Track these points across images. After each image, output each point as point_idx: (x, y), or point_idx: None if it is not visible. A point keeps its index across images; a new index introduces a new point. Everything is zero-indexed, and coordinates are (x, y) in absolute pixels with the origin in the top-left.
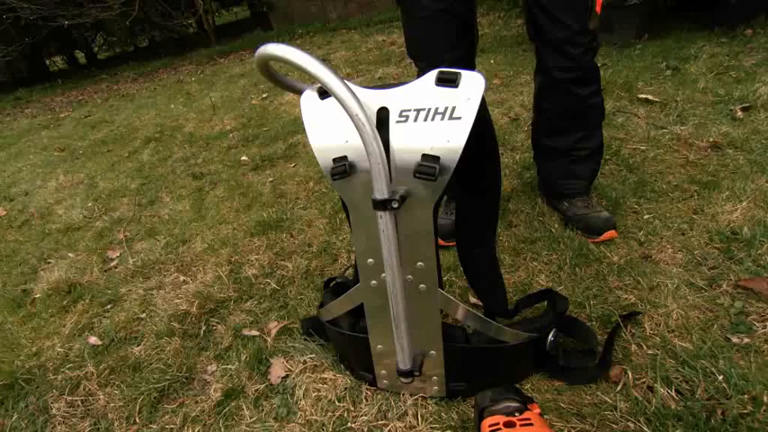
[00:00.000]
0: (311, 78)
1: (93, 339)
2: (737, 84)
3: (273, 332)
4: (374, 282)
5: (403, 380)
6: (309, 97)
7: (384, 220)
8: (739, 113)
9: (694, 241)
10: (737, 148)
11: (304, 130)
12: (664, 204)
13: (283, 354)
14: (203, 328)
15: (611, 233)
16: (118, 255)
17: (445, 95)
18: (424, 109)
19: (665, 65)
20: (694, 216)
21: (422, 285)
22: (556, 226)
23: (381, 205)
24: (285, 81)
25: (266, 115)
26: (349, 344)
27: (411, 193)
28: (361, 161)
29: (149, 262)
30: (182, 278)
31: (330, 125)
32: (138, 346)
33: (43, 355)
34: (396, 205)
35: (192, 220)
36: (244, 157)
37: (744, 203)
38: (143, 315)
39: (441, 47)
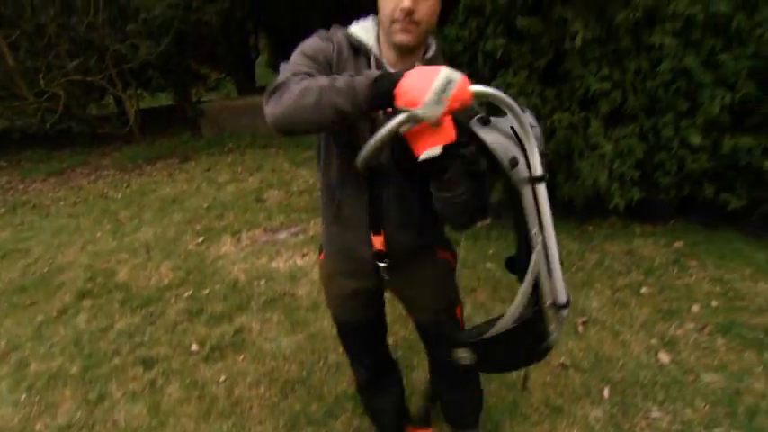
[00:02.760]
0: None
1: None
2: (582, 289)
3: None
4: (538, 247)
5: (564, 312)
6: (476, 124)
7: (542, 188)
8: (580, 328)
9: None
10: (576, 368)
11: (252, 307)
12: (527, 427)
13: None
14: None
15: None
16: None
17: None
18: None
19: None
20: None
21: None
22: None
23: (541, 179)
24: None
25: (204, 269)
26: (526, 332)
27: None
28: (521, 160)
29: None
30: None
31: (500, 139)
32: None
33: None
34: (547, 177)
35: (154, 429)
36: (194, 347)
37: (574, 430)
38: None
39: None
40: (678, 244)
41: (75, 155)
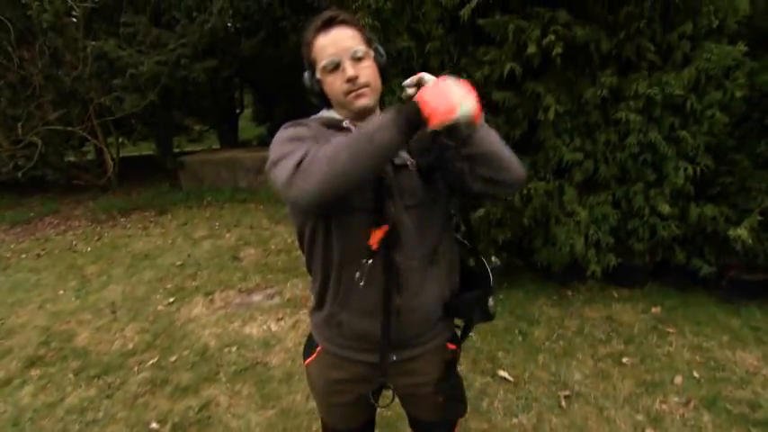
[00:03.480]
0: None
1: None
2: (563, 358)
3: None
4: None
5: None
6: None
7: None
8: (563, 402)
9: None
10: None
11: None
12: None
13: None
14: None
15: None
16: None
17: None
18: None
19: (517, 330)
20: None
21: None
22: None
23: None
24: None
25: (174, 333)
26: None
27: None
28: None
29: None
30: None
31: None
32: None
33: None
34: None
35: None
36: (153, 424)
37: None
38: None
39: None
40: (656, 309)
41: (46, 203)
